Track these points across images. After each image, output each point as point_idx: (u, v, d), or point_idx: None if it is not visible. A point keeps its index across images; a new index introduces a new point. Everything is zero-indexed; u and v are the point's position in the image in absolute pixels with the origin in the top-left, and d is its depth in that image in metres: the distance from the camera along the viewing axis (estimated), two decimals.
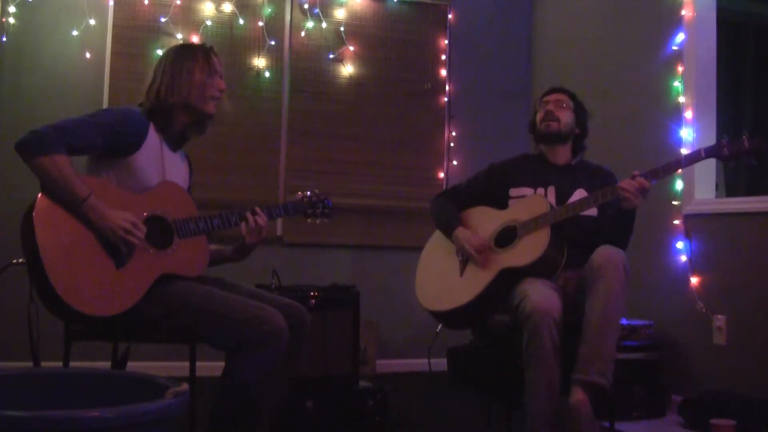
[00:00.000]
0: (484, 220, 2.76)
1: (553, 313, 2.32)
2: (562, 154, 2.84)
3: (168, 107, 2.27)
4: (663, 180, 3.50)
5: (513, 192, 2.79)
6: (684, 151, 3.47)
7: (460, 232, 2.70)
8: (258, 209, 2.37)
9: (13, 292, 2.59)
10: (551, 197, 2.72)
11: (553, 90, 2.91)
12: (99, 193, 2.07)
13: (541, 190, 2.74)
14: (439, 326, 3.83)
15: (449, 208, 2.84)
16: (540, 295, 2.35)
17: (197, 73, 2.30)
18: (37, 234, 1.97)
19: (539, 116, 2.85)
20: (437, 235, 2.89)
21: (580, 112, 2.88)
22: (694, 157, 2.49)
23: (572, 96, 2.90)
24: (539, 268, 2.48)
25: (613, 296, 2.34)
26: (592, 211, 2.67)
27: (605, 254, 2.41)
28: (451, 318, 2.69)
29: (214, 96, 2.35)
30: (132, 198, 2.16)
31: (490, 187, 2.86)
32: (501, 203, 2.79)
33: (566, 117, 2.81)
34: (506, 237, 2.63)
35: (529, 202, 2.69)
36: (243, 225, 2.35)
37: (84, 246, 2.04)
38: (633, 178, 2.44)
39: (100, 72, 4.09)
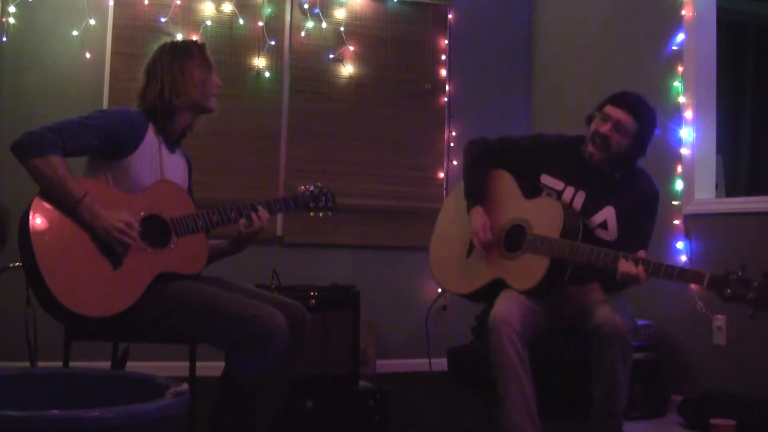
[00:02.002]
0: (504, 203, 2.66)
1: (511, 322, 2.32)
2: (607, 165, 2.59)
3: (172, 108, 2.27)
4: (662, 184, 3.51)
5: (544, 179, 2.63)
6: (684, 151, 3.48)
7: (477, 214, 2.63)
8: (258, 206, 2.36)
9: (12, 294, 2.59)
10: (578, 202, 2.56)
11: (622, 104, 2.51)
12: (95, 193, 2.06)
13: (571, 189, 2.58)
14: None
15: (480, 173, 2.72)
16: (499, 307, 2.39)
17: (196, 71, 2.30)
18: (32, 237, 1.97)
19: (592, 127, 2.54)
20: (460, 189, 2.81)
21: (643, 139, 2.51)
22: (697, 278, 2.25)
23: (639, 118, 2.49)
24: (530, 293, 2.46)
25: (621, 368, 2.37)
26: (612, 235, 2.52)
27: (613, 324, 2.33)
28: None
29: (213, 93, 2.35)
30: (128, 198, 2.16)
31: (526, 157, 2.70)
32: (529, 178, 2.67)
33: (620, 144, 2.49)
34: (514, 237, 2.59)
35: (545, 207, 2.56)
36: (241, 220, 2.34)
37: (80, 247, 2.03)
38: (636, 263, 2.24)
39: (100, 72, 4.09)
